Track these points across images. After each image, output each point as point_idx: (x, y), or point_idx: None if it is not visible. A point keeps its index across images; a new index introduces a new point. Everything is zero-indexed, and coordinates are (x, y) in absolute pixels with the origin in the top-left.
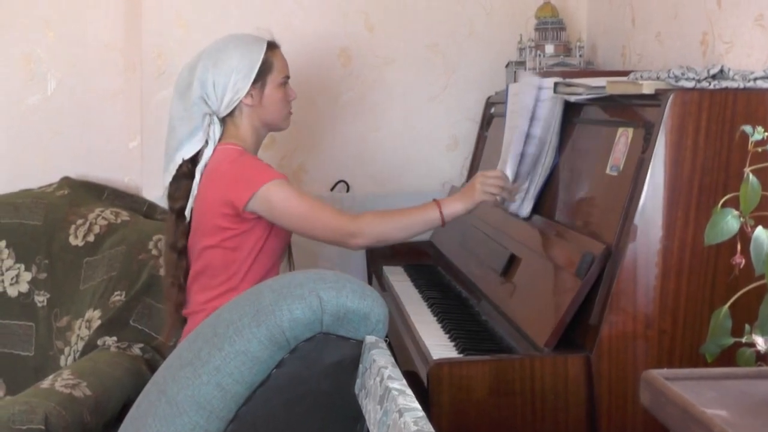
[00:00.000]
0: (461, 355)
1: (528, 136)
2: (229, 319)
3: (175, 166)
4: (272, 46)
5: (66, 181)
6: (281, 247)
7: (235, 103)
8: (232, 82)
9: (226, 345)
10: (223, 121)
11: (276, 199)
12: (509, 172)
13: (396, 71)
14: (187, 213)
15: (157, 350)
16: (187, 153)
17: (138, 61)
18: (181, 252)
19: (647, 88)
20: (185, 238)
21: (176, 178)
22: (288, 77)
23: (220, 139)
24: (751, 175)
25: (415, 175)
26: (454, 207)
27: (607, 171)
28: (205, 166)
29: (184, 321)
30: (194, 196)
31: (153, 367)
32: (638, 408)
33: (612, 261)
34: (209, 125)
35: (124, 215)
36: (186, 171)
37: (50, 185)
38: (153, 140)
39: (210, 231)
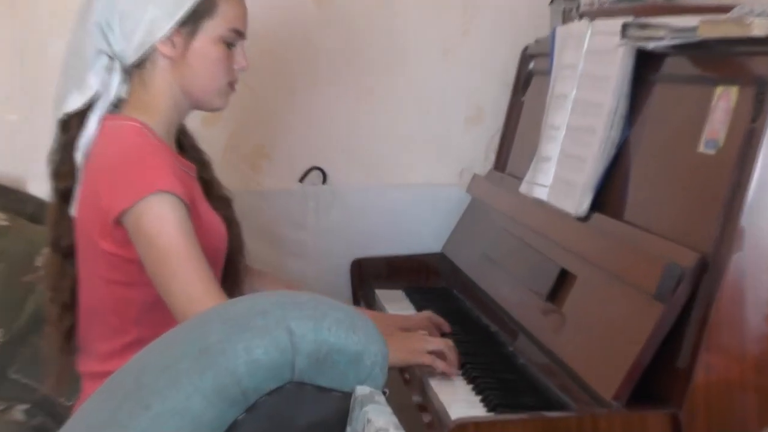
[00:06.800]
0: (492, 414)
1: (583, 102)
2: (160, 364)
3: (60, 124)
4: None
5: None
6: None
7: (147, 48)
8: (149, 15)
9: (156, 402)
10: (129, 75)
11: (149, 216)
12: (554, 155)
13: (394, 15)
14: (72, 211)
15: (50, 413)
16: (72, 105)
17: None
18: (66, 254)
19: (759, 28)
20: (72, 235)
21: (63, 146)
22: (240, 34)
23: (120, 104)
24: None
25: (421, 159)
26: None
27: (700, 149)
28: (91, 142)
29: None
30: (79, 182)
31: None
32: None
33: (708, 277)
34: (106, 70)
35: (2, 219)
36: (77, 135)
37: None
38: (42, 112)
39: (92, 252)
